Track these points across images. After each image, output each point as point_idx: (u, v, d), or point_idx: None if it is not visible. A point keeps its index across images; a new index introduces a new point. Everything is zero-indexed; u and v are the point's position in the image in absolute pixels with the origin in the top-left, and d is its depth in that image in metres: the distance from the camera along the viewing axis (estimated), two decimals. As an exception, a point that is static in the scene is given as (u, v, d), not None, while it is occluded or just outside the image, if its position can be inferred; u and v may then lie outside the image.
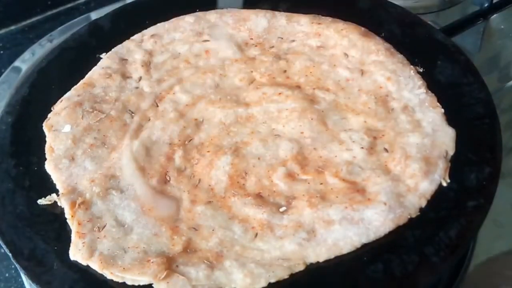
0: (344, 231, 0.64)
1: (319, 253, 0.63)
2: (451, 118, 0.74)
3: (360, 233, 0.63)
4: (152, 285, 0.61)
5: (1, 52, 1.15)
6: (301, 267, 0.62)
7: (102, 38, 0.89)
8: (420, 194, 0.67)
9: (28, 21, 1.20)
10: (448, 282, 0.75)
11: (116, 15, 0.94)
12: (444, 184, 0.68)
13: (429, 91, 0.77)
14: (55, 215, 0.68)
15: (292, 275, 0.61)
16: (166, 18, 0.91)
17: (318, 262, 0.62)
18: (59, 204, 0.68)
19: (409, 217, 0.65)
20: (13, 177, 0.71)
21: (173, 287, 0.60)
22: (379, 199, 0.66)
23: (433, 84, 0.79)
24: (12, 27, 1.19)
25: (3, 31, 1.19)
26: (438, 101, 0.76)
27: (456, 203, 0.66)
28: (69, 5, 1.22)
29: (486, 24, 1.12)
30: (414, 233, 0.64)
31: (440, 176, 0.68)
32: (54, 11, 1.21)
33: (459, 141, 0.72)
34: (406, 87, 0.78)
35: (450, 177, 0.68)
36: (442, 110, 0.74)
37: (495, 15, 1.13)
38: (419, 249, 0.62)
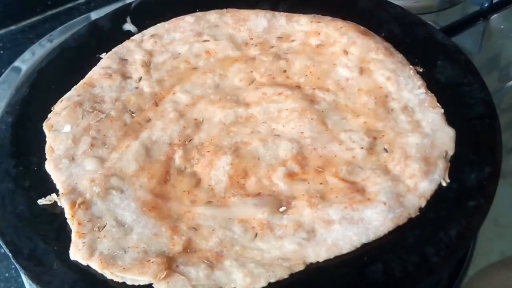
0: (344, 231, 0.64)
1: (319, 253, 0.63)
2: (451, 118, 0.74)
3: (360, 233, 0.63)
4: (152, 285, 0.61)
5: (1, 52, 1.15)
6: (301, 267, 0.62)
7: (102, 38, 0.89)
8: (420, 194, 0.67)
9: (28, 21, 1.20)
10: (448, 282, 0.75)
11: (116, 15, 0.94)
12: (444, 184, 0.68)
13: (429, 91, 0.77)
14: (55, 215, 0.68)
15: (292, 275, 0.61)
16: (166, 18, 0.91)
17: (318, 262, 0.62)
18: (59, 204, 0.68)
19: (409, 217, 0.65)
20: (13, 177, 0.71)
21: (173, 287, 0.60)
22: (378, 199, 0.66)
23: (433, 84, 0.79)
24: (12, 27, 1.19)
25: (3, 31, 1.18)
26: (438, 101, 0.76)
27: (456, 203, 0.66)
28: (69, 5, 1.22)
29: (486, 24, 1.12)
30: (414, 233, 0.64)
31: (440, 176, 0.68)
32: (54, 11, 1.21)
33: (459, 141, 0.71)
34: (406, 87, 0.78)
35: (450, 177, 0.68)
36: (442, 110, 0.74)
37: (495, 15, 1.13)
38: (419, 249, 0.62)
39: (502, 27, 1.12)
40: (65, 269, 0.63)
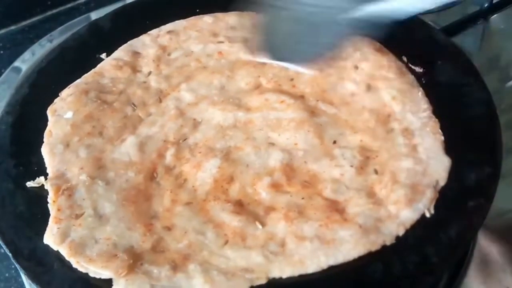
0: (313, 249, 0.62)
1: (283, 269, 0.61)
2: (451, 119, 0.73)
3: (329, 254, 0.61)
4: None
5: (1, 52, 1.15)
6: (262, 281, 0.60)
7: (102, 38, 0.89)
8: (400, 222, 0.64)
9: (28, 21, 1.20)
10: (448, 282, 0.75)
11: (116, 15, 0.94)
12: (427, 214, 0.65)
13: (433, 116, 0.74)
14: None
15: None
16: (166, 19, 0.91)
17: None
18: (45, 187, 0.69)
19: (383, 244, 0.62)
20: (13, 177, 0.71)
21: (132, 284, 0.60)
22: (355, 221, 0.64)
23: (433, 84, 0.78)
24: (12, 27, 1.19)
25: (3, 31, 1.19)
26: (438, 101, 0.76)
27: (456, 203, 0.66)
28: (69, 5, 1.22)
29: (486, 24, 1.12)
30: (414, 233, 0.64)
31: (424, 206, 0.65)
32: (54, 11, 1.21)
33: (460, 141, 0.71)
34: (411, 109, 0.75)
35: (450, 177, 0.68)
36: (442, 138, 0.71)
37: (495, 15, 1.13)
38: (419, 249, 0.62)
39: (502, 27, 1.12)
40: (65, 269, 0.62)
